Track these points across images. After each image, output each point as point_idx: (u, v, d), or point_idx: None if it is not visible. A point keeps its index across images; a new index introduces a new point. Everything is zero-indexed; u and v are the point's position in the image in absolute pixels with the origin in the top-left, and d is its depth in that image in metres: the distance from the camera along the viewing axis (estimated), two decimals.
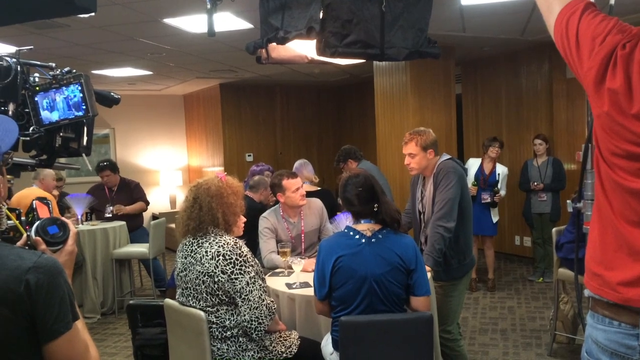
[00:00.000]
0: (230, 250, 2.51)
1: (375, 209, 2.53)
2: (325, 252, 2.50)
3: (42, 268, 1.19)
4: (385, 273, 2.41)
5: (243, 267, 2.50)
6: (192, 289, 2.58)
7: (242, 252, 2.54)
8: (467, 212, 3.36)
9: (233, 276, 2.48)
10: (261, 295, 2.51)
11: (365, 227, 2.52)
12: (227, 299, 2.52)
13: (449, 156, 3.42)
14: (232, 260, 2.49)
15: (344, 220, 3.89)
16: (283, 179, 3.73)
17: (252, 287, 2.49)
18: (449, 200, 3.20)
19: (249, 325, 2.49)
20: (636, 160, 1.32)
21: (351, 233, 2.51)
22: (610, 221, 1.39)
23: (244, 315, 2.49)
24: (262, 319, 2.49)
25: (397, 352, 2.39)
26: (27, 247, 1.35)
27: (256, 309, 2.48)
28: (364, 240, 2.47)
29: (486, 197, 5.87)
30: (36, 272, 1.18)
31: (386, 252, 2.43)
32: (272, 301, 2.59)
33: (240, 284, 2.48)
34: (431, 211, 3.30)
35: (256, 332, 2.50)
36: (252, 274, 2.52)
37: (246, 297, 2.48)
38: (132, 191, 6.22)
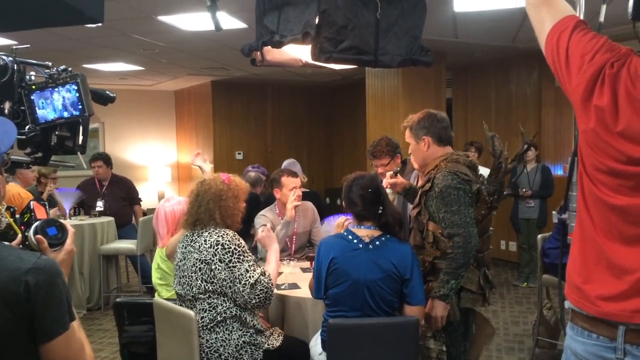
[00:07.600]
0: (229, 240, 2.56)
1: (379, 212, 2.51)
2: (324, 250, 2.51)
3: (41, 269, 1.20)
4: (378, 280, 2.41)
5: (241, 257, 2.55)
6: (188, 276, 2.61)
7: (241, 243, 2.60)
8: None
9: (231, 264, 2.52)
10: (261, 274, 2.56)
11: (365, 233, 2.51)
12: (219, 289, 2.55)
13: None
14: (230, 250, 2.54)
15: (334, 223, 3.91)
16: (283, 175, 3.79)
17: (252, 273, 2.54)
18: None
19: (250, 298, 2.52)
20: (618, 177, 1.35)
21: (350, 237, 2.51)
22: (591, 236, 1.42)
23: (245, 290, 2.51)
24: (263, 292, 2.53)
25: (383, 354, 2.41)
26: (21, 247, 1.37)
27: (257, 283, 2.52)
28: (361, 246, 2.47)
29: None
30: (35, 273, 1.19)
31: (381, 260, 2.43)
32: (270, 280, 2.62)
33: (239, 270, 2.52)
34: None
35: (257, 299, 2.53)
36: (251, 262, 2.57)
37: (247, 281, 2.52)
38: (124, 188, 6.20)
